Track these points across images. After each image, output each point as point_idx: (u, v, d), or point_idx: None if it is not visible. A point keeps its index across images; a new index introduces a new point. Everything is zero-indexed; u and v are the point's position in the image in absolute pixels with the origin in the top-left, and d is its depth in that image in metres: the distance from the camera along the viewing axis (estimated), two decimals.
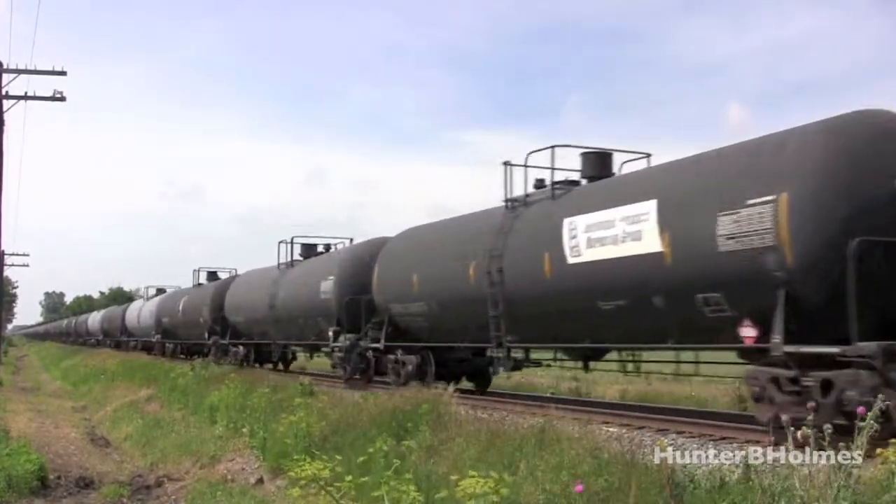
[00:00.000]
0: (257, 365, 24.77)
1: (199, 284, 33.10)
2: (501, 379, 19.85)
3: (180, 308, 32.53)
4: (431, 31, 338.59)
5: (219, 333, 27.13)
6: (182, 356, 32.70)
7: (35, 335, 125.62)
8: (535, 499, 6.14)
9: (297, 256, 22.49)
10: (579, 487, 5.26)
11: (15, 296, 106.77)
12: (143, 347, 41.10)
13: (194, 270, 33.96)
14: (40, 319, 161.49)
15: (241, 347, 25.69)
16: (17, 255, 54.91)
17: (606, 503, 5.78)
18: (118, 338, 48.79)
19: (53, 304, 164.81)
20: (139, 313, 42.17)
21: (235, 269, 30.64)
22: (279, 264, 22.72)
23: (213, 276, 32.94)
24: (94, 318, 62.24)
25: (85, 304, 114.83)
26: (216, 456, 12.71)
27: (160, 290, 43.24)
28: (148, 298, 43.71)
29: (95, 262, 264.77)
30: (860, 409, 4.68)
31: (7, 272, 49.68)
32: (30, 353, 79.75)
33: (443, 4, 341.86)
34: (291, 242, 22.54)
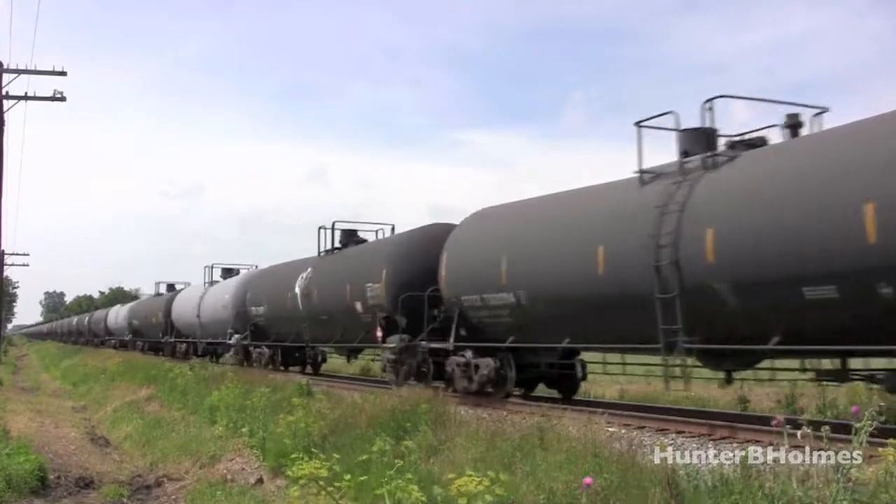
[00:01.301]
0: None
1: (336, 249, 20.25)
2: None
3: (299, 287, 20.63)
4: (431, 31, 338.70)
5: (405, 329, 15.65)
6: (296, 369, 23.08)
7: (36, 335, 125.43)
8: (535, 498, 6.14)
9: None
10: (588, 480, 5.22)
11: (15, 296, 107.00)
12: (214, 354, 29.27)
13: (321, 229, 20.37)
14: (40, 319, 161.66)
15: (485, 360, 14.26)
16: (17, 255, 54.93)
17: (607, 502, 5.78)
18: (158, 339, 36.84)
19: (53, 304, 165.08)
20: (201, 303, 29.42)
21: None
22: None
23: (351, 236, 20.52)
24: (118, 314, 49.44)
25: (85, 304, 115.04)
26: (216, 456, 12.68)
27: (229, 272, 31.95)
28: (211, 282, 31.78)
29: (95, 262, 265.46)
30: (855, 409, 4.70)
31: (7, 272, 49.63)
32: (30, 352, 79.65)
33: (443, 4, 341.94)
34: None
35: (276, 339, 23.21)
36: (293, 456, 6.68)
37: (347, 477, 5.67)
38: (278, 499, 9.33)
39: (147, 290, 51.12)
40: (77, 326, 72.41)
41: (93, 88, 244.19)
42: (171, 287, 41.43)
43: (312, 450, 7.57)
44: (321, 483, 5.53)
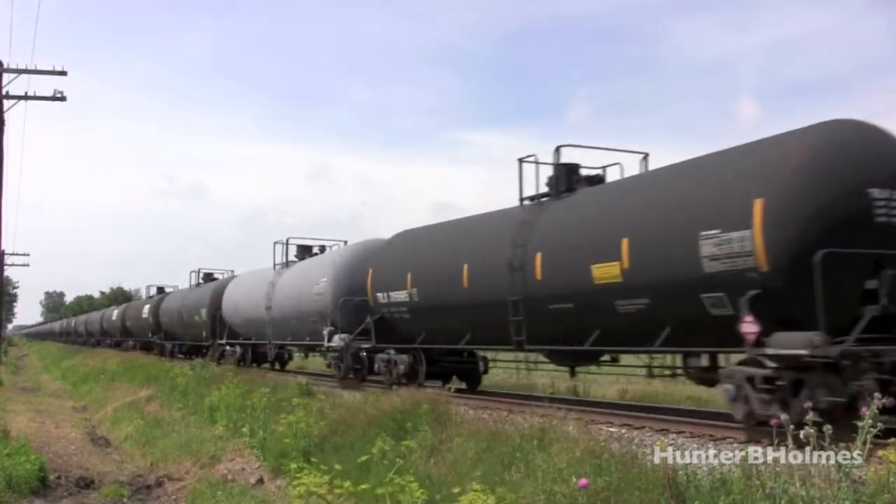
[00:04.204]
0: None
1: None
2: (500, 378, 19.51)
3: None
4: (431, 31, 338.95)
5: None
6: None
7: (38, 336, 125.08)
8: (536, 500, 6.14)
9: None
10: (583, 482, 5.23)
11: (15, 296, 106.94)
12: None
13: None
14: (41, 319, 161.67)
15: None
16: (17, 255, 54.83)
17: (607, 503, 5.78)
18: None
19: (53, 304, 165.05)
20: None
21: None
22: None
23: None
24: (255, 289, 23.66)
25: (85, 304, 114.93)
26: (216, 456, 12.70)
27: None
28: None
29: (95, 262, 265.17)
30: (863, 410, 4.68)
31: (7, 272, 49.55)
32: (30, 352, 79.62)
33: (443, 4, 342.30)
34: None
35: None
36: (294, 466, 6.65)
37: (347, 484, 5.67)
38: (279, 499, 9.33)
39: (144, 288, 50.03)
40: (123, 321, 46.08)
41: (93, 88, 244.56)
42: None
43: (312, 459, 7.55)
44: (321, 495, 5.53)
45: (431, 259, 14.87)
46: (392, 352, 15.83)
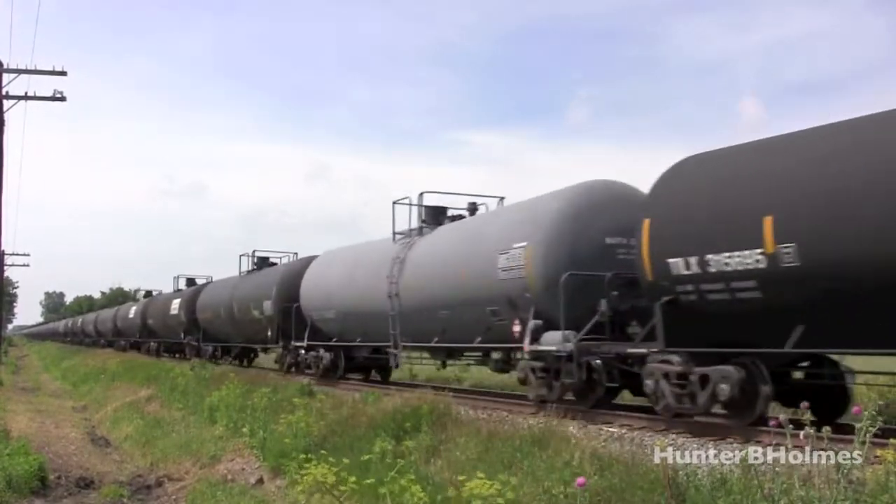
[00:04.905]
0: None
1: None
2: (498, 378, 17.21)
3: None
4: (431, 31, 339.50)
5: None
6: None
7: (39, 335, 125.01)
8: (537, 499, 6.14)
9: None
10: (580, 481, 5.25)
11: (15, 296, 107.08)
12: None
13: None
14: (40, 319, 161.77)
15: None
16: (17, 255, 54.85)
17: (608, 503, 5.79)
18: None
19: (53, 304, 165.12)
20: None
21: None
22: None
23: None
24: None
25: (85, 305, 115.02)
26: (216, 456, 12.70)
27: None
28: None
29: (95, 262, 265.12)
30: (856, 410, 4.70)
31: (7, 272, 49.53)
32: (30, 353, 79.63)
33: (443, 4, 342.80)
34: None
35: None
36: (301, 457, 6.63)
37: (352, 479, 5.68)
38: (279, 499, 9.34)
39: (146, 288, 48.57)
40: (143, 319, 39.32)
41: (93, 88, 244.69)
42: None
43: (322, 451, 7.54)
44: (327, 487, 5.53)
45: (846, 185, 7.86)
46: (678, 360, 9.40)
